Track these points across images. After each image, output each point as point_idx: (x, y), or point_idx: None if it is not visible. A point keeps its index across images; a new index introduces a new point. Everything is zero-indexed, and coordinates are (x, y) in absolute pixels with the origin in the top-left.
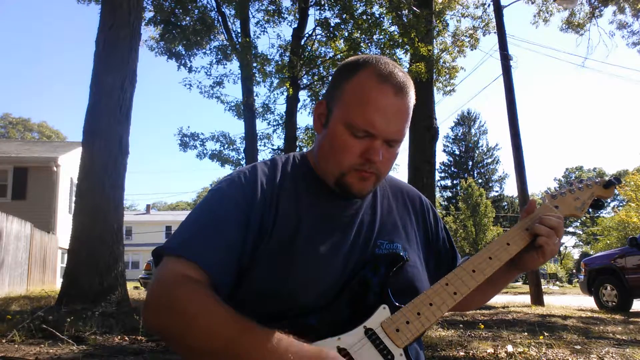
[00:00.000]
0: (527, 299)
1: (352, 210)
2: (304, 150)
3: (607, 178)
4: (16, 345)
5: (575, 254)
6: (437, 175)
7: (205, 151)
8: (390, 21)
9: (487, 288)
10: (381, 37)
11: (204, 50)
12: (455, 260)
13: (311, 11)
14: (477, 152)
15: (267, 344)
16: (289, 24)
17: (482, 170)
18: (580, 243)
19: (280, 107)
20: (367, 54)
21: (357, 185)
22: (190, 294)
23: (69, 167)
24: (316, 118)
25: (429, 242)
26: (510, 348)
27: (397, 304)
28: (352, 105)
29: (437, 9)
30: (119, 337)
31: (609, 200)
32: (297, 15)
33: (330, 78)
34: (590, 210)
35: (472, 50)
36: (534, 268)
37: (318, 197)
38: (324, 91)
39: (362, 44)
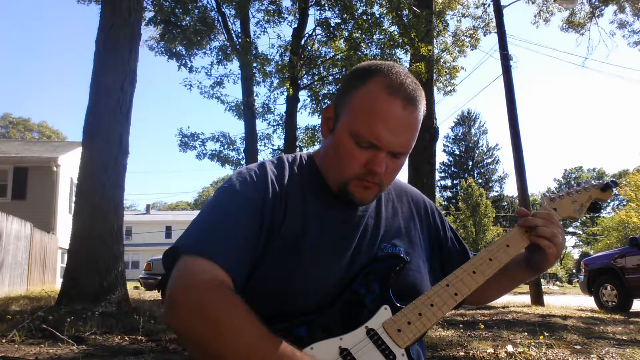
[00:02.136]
0: (527, 299)
1: (358, 213)
2: (304, 150)
3: (604, 181)
4: (16, 345)
5: (575, 254)
6: (437, 175)
7: (204, 151)
8: (390, 21)
9: (504, 282)
10: (381, 37)
11: (204, 51)
12: (467, 256)
13: (311, 11)
14: (477, 152)
15: None
16: (289, 24)
17: (482, 170)
18: (580, 243)
19: (280, 107)
20: (380, 61)
21: (359, 194)
22: (224, 303)
23: (69, 167)
24: (324, 122)
25: (438, 245)
26: (510, 348)
27: (398, 304)
28: (359, 115)
29: (438, 9)
30: (119, 337)
31: (607, 202)
32: (297, 15)
33: (330, 78)
34: (588, 212)
35: (472, 50)
36: (544, 269)
37: (324, 199)
38: (325, 91)
39: (362, 44)
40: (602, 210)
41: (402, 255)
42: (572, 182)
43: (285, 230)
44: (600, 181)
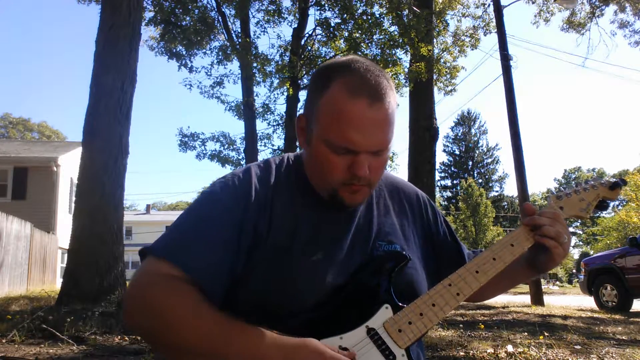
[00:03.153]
0: (527, 299)
1: (349, 213)
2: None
3: (612, 179)
4: (16, 345)
5: (575, 254)
6: (437, 175)
7: (204, 151)
8: (390, 21)
9: (503, 282)
10: (381, 37)
11: (204, 51)
12: (460, 253)
13: (311, 11)
14: (477, 152)
15: (252, 340)
16: (289, 24)
17: (482, 170)
18: (580, 243)
19: (281, 107)
20: (342, 59)
21: (349, 199)
22: (171, 291)
23: (69, 167)
24: (299, 133)
25: (430, 239)
26: (510, 348)
27: (400, 304)
28: (328, 123)
29: (438, 9)
30: (119, 337)
31: (615, 201)
32: (297, 15)
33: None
34: (595, 211)
35: (472, 50)
36: (549, 270)
37: (313, 201)
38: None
39: (362, 44)
40: (607, 210)
41: (404, 253)
42: (580, 181)
43: (274, 237)
44: (609, 179)
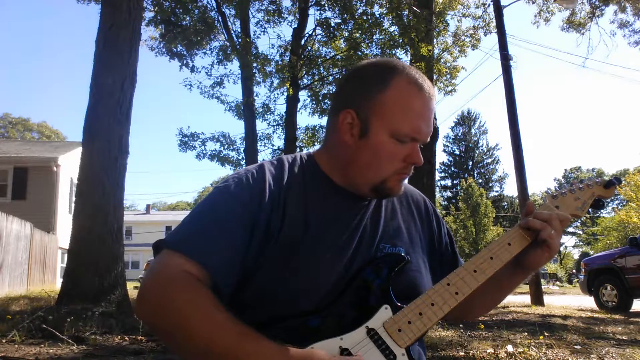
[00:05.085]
0: (527, 299)
1: (358, 214)
2: (305, 150)
3: (607, 178)
4: (16, 345)
5: (575, 254)
6: (437, 175)
7: (204, 151)
8: (390, 21)
9: (494, 292)
10: (381, 37)
11: (204, 51)
12: (456, 265)
13: (311, 11)
14: (477, 152)
15: (261, 350)
16: (289, 24)
17: (482, 170)
18: (580, 243)
19: (281, 107)
20: (384, 58)
21: (397, 187)
22: (189, 292)
23: (69, 167)
24: (345, 129)
25: (433, 247)
26: (510, 348)
27: (399, 304)
28: (397, 115)
29: (438, 9)
30: (119, 337)
31: (609, 200)
32: (297, 15)
33: (331, 78)
34: (590, 210)
35: (473, 50)
36: (539, 267)
37: (325, 201)
38: (325, 91)
39: (362, 44)
40: (604, 209)
41: (402, 254)
42: (575, 180)
43: (285, 234)
44: (604, 178)
